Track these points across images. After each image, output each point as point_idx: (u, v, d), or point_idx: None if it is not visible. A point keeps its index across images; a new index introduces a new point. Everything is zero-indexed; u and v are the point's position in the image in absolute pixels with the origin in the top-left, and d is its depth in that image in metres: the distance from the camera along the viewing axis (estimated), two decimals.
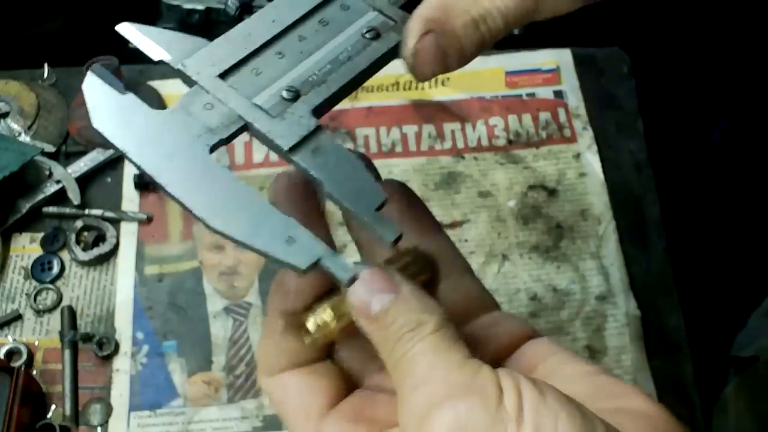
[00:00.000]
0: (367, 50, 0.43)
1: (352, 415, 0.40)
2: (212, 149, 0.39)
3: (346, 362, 0.43)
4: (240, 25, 0.43)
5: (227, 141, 0.39)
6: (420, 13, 0.40)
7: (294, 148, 0.39)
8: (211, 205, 0.37)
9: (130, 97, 0.40)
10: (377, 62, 0.43)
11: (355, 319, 0.38)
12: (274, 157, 0.95)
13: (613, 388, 0.38)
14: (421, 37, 0.39)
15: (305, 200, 0.43)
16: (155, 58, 0.42)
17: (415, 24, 0.40)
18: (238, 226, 0.37)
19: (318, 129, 0.40)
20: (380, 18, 0.44)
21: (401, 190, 0.44)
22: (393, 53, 0.43)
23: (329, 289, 0.41)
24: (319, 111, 0.41)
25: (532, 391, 0.33)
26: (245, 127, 0.40)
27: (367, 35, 0.43)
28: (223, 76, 0.41)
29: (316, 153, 0.39)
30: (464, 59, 0.41)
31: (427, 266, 0.42)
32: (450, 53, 0.40)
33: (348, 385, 0.43)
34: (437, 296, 0.42)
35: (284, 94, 0.40)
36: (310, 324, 0.40)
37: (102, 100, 0.39)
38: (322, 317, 0.40)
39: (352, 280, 0.38)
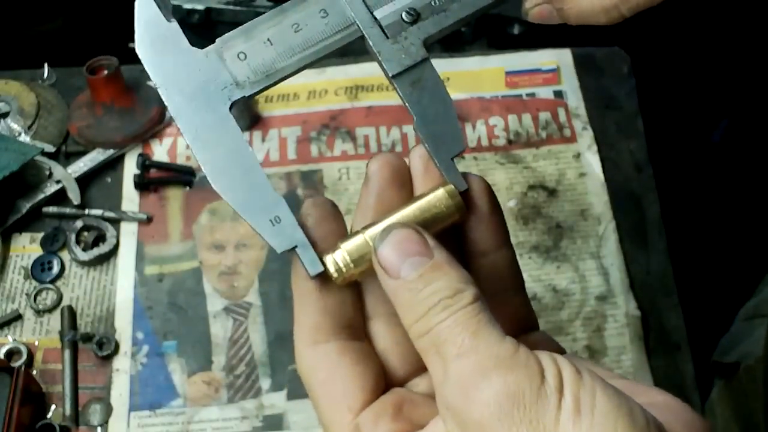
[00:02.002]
0: None
1: (392, 413, 0.39)
2: (233, 105, 0.39)
3: (384, 354, 0.42)
4: None
5: (249, 97, 0.40)
6: None
7: (397, 75, 0.40)
8: (217, 164, 0.39)
9: (174, 27, 0.40)
10: (499, 1, 0.42)
11: (379, 278, 0.38)
12: (274, 156, 0.95)
13: (635, 387, 0.39)
14: (538, 4, 0.42)
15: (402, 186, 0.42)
16: None
17: None
18: (235, 193, 0.39)
19: (424, 61, 0.41)
20: None
21: (489, 192, 0.42)
22: None
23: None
24: (429, 41, 0.41)
25: (571, 368, 0.35)
26: (359, 38, 0.41)
27: None
28: None
29: (415, 85, 0.40)
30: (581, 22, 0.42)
31: (460, 207, 0.40)
32: (563, 20, 0.42)
33: (386, 379, 0.42)
34: (470, 241, 0.42)
35: (404, 16, 0.41)
36: (329, 263, 0.39)
37: (149, 24, 0.40)
38: (339, 261, 0.39)
39: (318, 275, 0.38)
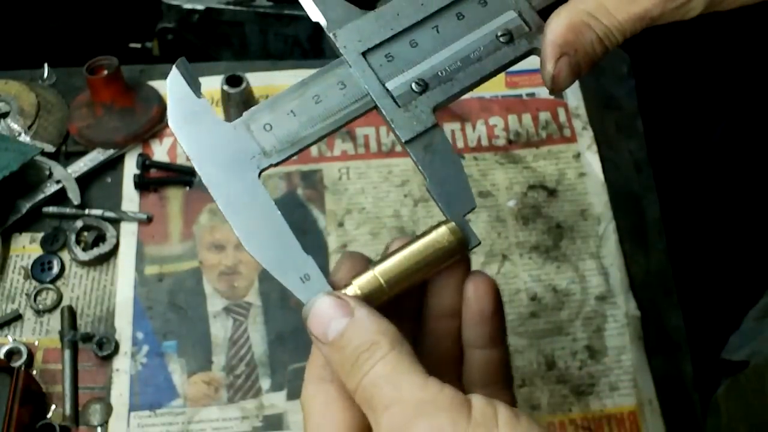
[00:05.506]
0: (496, 53, 0.45)
1: None
2: (261, 172, 0.42)
3: None
4: (393, 2, 0.45)
5: (276, 164, 0.43)
6: (553, 40, 0.43)
7: (410, 141, 0.43)
8: (249, 229, 0.42)
9: (204, 103, 0.43)
10: (502, 68, 0.45)
11: (317, 348, 0.40)
12: None
13: None
14: (556, 62, 0.44)
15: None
16: (312, 18, 0.45)
17: (550, 50, 0.43)
18: (266, 254, 0.42)
19: (434, 127, 0.43)
20: (517, 21, 0.45)
21: (495, 291, 0.45)
22: (518, 61, 0.45)
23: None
24: (438, 108, 0.44)
25: (508, 410, 0.36)
26: (374, 108, 0.43)
27: (501, 38, 0.45)
28: (366, 54, 0.44)
29: (427, 149, 0.43)
30: (593, 66, 0.45)
31: (461, 242, 0.43)
32: (583, 67, 0.44)
33: None
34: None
35: (414, 86, 0.44)
36: None
37: (180, 101, 0.43)
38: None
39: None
